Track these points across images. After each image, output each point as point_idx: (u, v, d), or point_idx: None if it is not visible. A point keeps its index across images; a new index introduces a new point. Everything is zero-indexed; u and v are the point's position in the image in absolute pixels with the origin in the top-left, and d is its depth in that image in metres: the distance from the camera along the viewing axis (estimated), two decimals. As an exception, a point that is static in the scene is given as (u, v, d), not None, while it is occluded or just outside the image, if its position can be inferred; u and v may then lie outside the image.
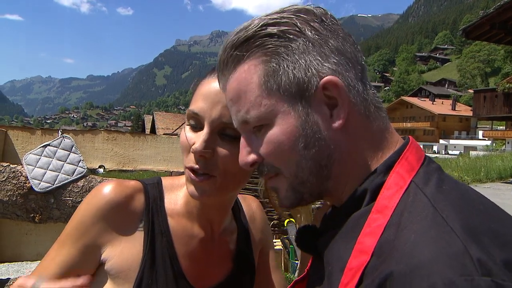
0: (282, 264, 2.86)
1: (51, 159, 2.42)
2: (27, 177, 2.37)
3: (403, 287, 0.45)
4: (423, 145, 62.42)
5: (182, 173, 0.88)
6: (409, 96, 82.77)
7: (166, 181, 0.89)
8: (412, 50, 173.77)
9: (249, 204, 1.02)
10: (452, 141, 59.04)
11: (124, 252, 0.79)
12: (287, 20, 0.61)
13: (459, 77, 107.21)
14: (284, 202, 0.67)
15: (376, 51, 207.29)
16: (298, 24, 0.60)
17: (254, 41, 0.61)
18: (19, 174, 2.37)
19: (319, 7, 0.65)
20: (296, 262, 2.20)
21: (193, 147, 0.75)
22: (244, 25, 0.63)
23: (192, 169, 0.77)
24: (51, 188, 2.36)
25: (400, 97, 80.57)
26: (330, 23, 0.63)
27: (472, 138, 58.39)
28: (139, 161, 2.49)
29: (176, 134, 2.66)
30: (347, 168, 0.62)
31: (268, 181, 0.67)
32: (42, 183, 2.36)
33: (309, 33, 0.60)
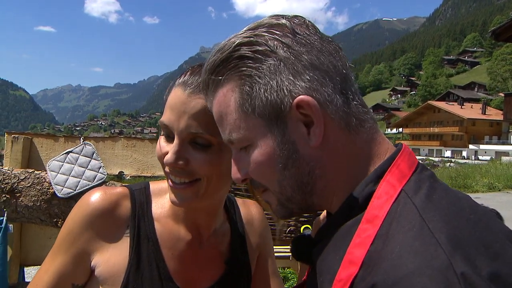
0: (298, 271, 2.83)
1: (73, 165, 2.49)
2: (51, 183, 2.45)
3: None
4: (452, 151, 60.63)
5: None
6: (436, 101, 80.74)
7: (153, 186, 0.90)
8: (439, 54, 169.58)
9: (249, 208, 1.01)
10: (482, 146, 57.11)
11: (111, 258, 0.80)
12: (258, 40, 0.60)
13: (489, 80, 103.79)
14: (276, 214, 0.68)
15: (401, 55, 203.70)
16: (269, 42, 0.59)
17: (228, 63, 0.61)
18: (43, 180, 2.45)
19: (296, 16, 0.64)
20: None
21: (164, 159, 0.76)
22: (221, 45, 0.63)
23: (170, 178, 0.78)
24: (73, 193, 2.42)
25: (427, 101, 78.71)
26: (305, 35, 0.61)
27: (503, 143, 56.26)
28: (157, 167, 2.53)
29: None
30: (332, 182, 0.61)
31: (261, 195, 0.69)
32: (64, 189, 2.44)
33: (281, 51, 0.59)
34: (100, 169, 2.49)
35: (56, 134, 2.59)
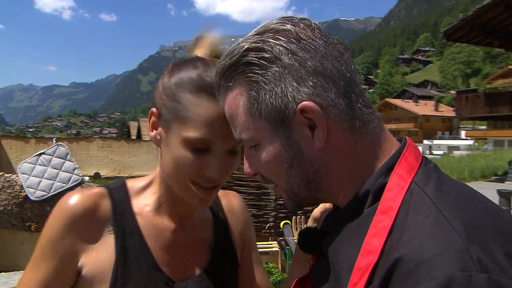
0: (280, 266, 2.90)
1: (46, 167, 2.42)
2: (22, 186, 2.37)
3: (409, 279, 0.49)
4: (408, 146, 62.92)
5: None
6: (393, 98, 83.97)
7: (130, 183, 0.92)
8: (394, 53, 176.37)
9: (229, 198, 1.04)
10: (436, 141, 59.97)
11: (97, 256, 0.81)
12: (265, 46, 0.62)
13: (441, 79, 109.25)
14: (288, 207, 0.73)
15: (359, 54, 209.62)
16: (275, 49, 0.62)
17: (236, 68, 0.64)
18: (14, 183, 2.37)
19: (303, 19, 0.66)
20: (293, 262, 2.24)
21: (211, 174, 0.78)
22: (231, 49, 0.66)
23: (202, 187, 0.80)
24: (46, 196, 2.36)
25: (384, 99, 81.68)
26: (310, 40, 0.63)
27: (455, 138, 59.45)
28: (134, 167, 2.52)
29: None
30: (336, 179, 0.65)
31: (273, 189, 0.73)
32: (37, 191, 2.36)
33: (285, 57, 0.61)
34: (75, 171, 2.43)
35: (26, 136, 2.50)
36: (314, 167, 0.64)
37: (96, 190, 0.86)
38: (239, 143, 0.70)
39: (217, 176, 0.78)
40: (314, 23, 0.66)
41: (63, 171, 2.45)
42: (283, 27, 0.64)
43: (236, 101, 0.66)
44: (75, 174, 2.43)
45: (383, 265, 0.53)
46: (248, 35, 0.66)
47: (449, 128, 65.96)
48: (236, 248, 0.99)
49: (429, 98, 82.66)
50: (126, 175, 2.39)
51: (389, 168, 0.62)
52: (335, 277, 0.63)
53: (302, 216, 2.40)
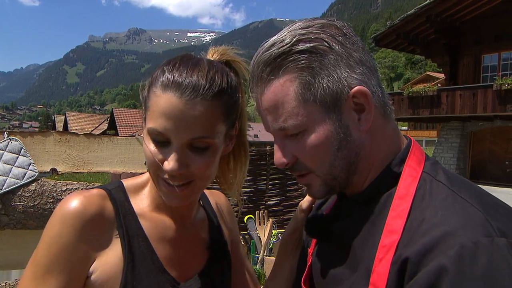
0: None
1: (-3, 162, 2.27)
2: (-31, 182, 2.20)
3: (438, 248, 0.56)
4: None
5: (142, 173, 0.92)
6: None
7: (127, 183, 0.89)
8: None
9: (216, 198, 1.06)
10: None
11: (107, 261, 0.79)
12: (316, 37, 0.68)
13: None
14: (316, 195, 0.77)
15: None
16: (326, 39, 0.68)
17: (287, 57, 0.68)
18: (-40, 180, 2.19)
19: (339, 20, 0.73)
20: (257, 255, 2.36)
21: (166, 168, 0.76)
22: (275, 40, 0.70)
23: (167, 182, 0.79)
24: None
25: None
26: (351, 35, 0.70)
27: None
28: (94, 163, 2.45)
29: (133, 136, 2.63)
30: (370, 163, 0.72)
31: (300, 178, 0.77)
32: (-13, 188, 2.21)
33: (337, 47, 0.68)
34: (30, 166, 2.31)
35: (-27, 129, 2.34)
36: (357, 149, 0.70)
37: (96, 191, 0.83)
38: (282, 131, 0.71)
39: (174, 171, 0.75)
40: (347, 23, 0.73)
41: (17, 166, 2.32)
42: (329, 22, 0.71)
43: (284, 88, 0.69)
44: (30, 170, 2.32)
45: (409, 241, 0.61)
46: (291, 29, 0.70)
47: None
48: (227, 245, 1.01)
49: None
50: (86, 171, 2.33)
51: (402, 160, 0.71)
52: (353, 257, 0.70)
53: (265, 211, 2.51)
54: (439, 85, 19.66)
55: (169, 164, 0.75)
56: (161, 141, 0.76)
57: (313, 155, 0.70)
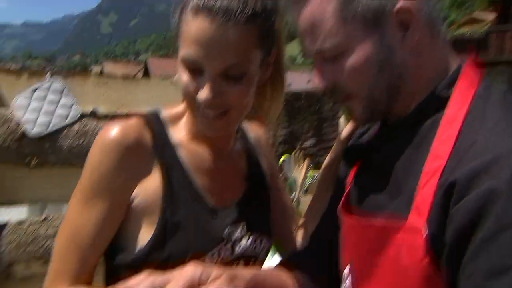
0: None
1: (42, 103, 2.36)
2: (18, 122, 2.32)
3: (490, 171, 0.53)
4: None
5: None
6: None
7: (165, 113, 0.90)
8: None
9: (255, 129, 1.05)
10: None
11: (147, 188, 0.81)
12: None
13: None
14: (357, 120, 0.75)
15: None
16: None
17: None
18: (10, 120, 2.31)
19: None
20: (292, 196, 2.40)
21: (200, 98, 0.75)
22: None
23: (203, 112, 0.78)
24: (44, 133, 2.32)
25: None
26: None
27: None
28: (131, 106, 2.50)
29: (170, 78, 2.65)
30: (415, 86, 0.68)
31: (341, 103, 0.74)
32: (35, 128, 2.32)
33: None
34: (73, 107, 2.39)
35: (18, 70, 2.41)
36: (400, 71, 0.66)
37: (135, 120, 0.83)
38: (320, 53, 0.69)
39: (209, 101, 0.74)
40: None
41: (60, 107, 2.41)
42: None
43: (322, 5, 0.65)
44: (73, 110, 2.39)
45: (457, 164, 0.58)
46: None
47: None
48: (266, 177, 1.01)
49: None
50: (125, 112, 2.38)
51: (451, 82, 0.66)
52: (394, 183, 0.68)
53: (301, 152, 2.51)
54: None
55: (204, 93, 0.74)
56: (195, 69, 0.75)
57: (353, 78, 0.67)
